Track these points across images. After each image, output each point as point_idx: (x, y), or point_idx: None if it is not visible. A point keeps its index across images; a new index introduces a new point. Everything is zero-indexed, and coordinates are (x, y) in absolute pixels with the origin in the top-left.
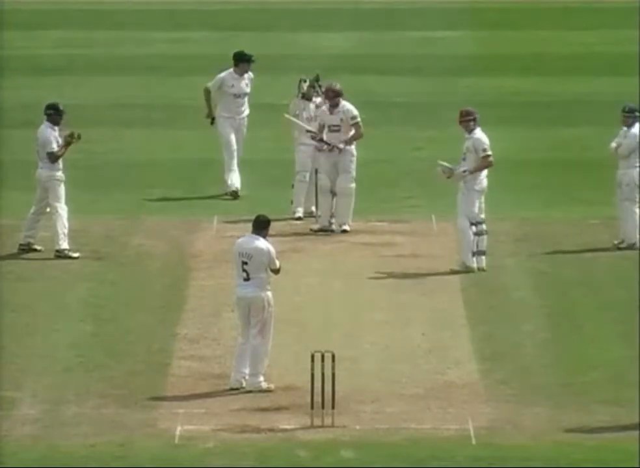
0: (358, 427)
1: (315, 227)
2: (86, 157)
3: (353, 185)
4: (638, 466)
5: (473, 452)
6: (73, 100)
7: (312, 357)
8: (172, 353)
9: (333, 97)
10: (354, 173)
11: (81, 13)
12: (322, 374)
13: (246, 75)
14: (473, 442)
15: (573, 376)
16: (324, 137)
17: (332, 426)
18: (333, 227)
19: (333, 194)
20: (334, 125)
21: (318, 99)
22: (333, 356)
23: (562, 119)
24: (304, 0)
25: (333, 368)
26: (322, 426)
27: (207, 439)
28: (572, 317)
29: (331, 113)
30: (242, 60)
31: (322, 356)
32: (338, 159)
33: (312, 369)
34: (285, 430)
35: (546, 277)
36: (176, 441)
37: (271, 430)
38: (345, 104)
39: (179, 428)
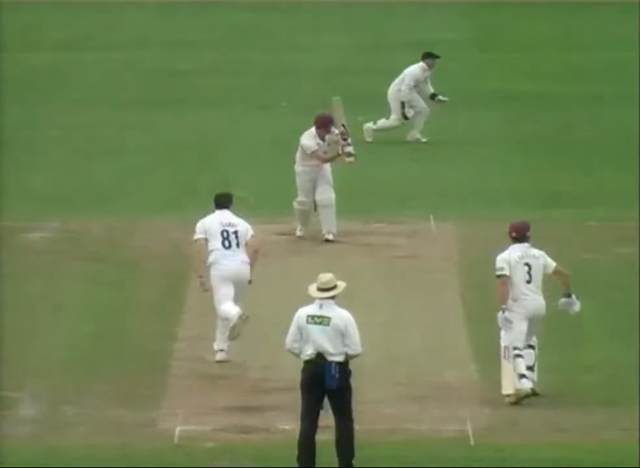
0: (357, 427)
1: (299, 233)
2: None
3: (334, 195)
4: (638, 467)
5: (471, 453)
6: None
7: None
8: (171, 354)
9: (328, 125)
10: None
11: None
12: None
13: None
14: (472, 443)
15: (572, 376)
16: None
17: (331, 426)
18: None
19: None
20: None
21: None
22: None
23: (562, 120)
24: (302, 0)
25: None
26: (321, 427)
27: (207, 439)
28: (570, 318)
29: (325, 142)
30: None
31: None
32: (318, 175)
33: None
34: (285, 431)
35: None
36: (176, 441)
37: (270, 431)
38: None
39: (178, 428)
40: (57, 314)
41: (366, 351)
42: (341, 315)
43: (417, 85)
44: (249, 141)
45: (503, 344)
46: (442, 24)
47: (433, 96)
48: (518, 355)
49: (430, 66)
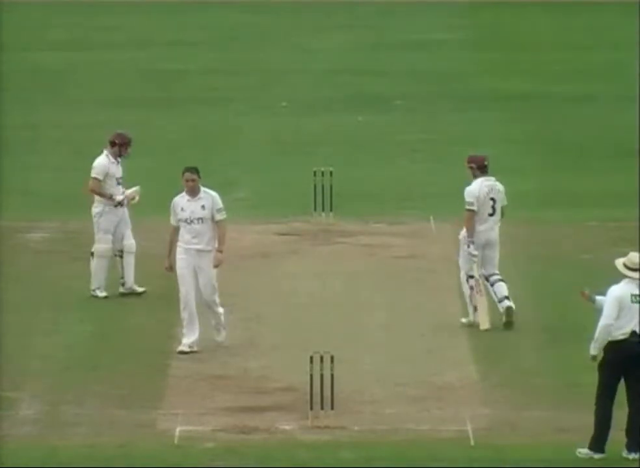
0: (357, 428)
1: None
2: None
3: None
4: (637, 467)
5: (471, 453)
6: None
7: (311, 358)
8: (171, 354)
9: (124, 145)
10: None
11: None
12: (322, 375)
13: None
14: (472, 443)
15: (572, 377)
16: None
17: (331, 426)
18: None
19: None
20: (121, 177)
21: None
22: (332, 357)
23: (561, 120)
24: (302, 0)
25: (332, 369)
26: (321, 427)
27: (207, 439)
28: (570, 318)
29: (119, 163)
30: None
31: (322, 357)
32: (122, 218)
33: (311, 370)
34: (285, 431)
35: (544, 278)
36: (175, 442)
37: (271, 431)
38: None
39: (178, 429)
40: (57, 314)
41: (366, 351)
42: None
43: None
44: (249, 141)
45: (462, 272)
46: (442, 24)
47: None
48: (500, 280)
49: None
